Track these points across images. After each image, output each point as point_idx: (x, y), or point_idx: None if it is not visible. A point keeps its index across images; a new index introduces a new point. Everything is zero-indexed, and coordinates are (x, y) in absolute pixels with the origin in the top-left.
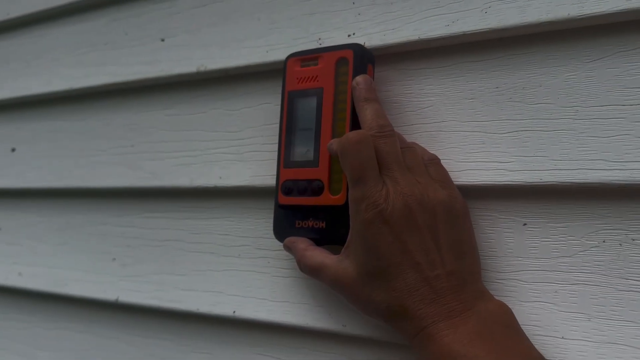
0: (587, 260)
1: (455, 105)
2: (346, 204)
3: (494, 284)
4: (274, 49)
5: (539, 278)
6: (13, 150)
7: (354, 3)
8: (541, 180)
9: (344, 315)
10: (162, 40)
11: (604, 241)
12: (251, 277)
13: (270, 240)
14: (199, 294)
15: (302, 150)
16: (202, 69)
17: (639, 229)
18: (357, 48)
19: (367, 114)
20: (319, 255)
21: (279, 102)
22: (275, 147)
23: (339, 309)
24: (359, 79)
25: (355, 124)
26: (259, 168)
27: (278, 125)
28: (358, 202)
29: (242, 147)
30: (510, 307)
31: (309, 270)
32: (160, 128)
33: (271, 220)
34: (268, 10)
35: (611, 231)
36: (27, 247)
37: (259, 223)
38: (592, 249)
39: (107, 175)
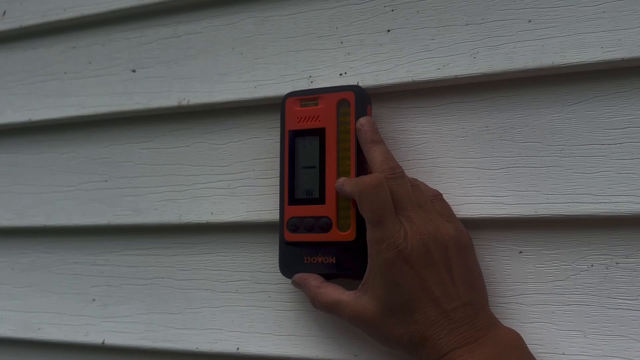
0: (578, 283)
1: (449, 143)
2: (356, 240)
3: (497, 307)
4: (262, 85)
5: (537, 301)
6: None
7: (341, 42)
8: (536, 213)
9: (354, 345)
10: (133, 71)
11: (592, 265)
12: (252, 313)
13: (269, 274)
14: (197, 332)
15: (307, 188)
16: (184, 103)
17: (622, 254)
18: (357, 90)
19: (376, 155)
20: (334, 292)
21: (268, 137)
22: (270, 181)
23: (349, 338)
24: (363, 121)
25: (361, 164)
26: (253, 203)
27: (269, 160)
28: (378, 242)
29: (233, 181)
30: (513, 328)
31: (325, 307)
32: (137, 162)
33: (269, 255)
34: (250, 45)
35: (598, 256)
36: None
37: (256, 257)
38: (582, 272)
39: (80, 213)
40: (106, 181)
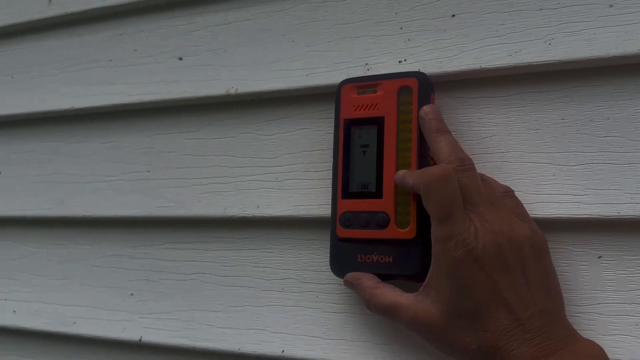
0: None
1: (520, 136)
2: (416, 238)
3: (572, 317)
4: (314, 73)
5: (617, 311)
6: None
7: (401, 28)
8: (619, 214)
9: (411, 353)
10: (180, 59)
11: None
12: (299, 313)
13: (317, 273)
14: (239, 331)
15: (362, 181)
16: (232, 91)
17: None
18: (421, 76)
19: (442, 146)
20: (392, 294)
21: (319, 128)
22: (320, 175)
23: (405, 346)
24: (427, 109)
25: (422, 156)
26: (302, 197)
27: (320, 152)
28: (446, 240)
29: (281, 174)
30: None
31: (382, 310)
32: (181, 153)
33: (318, 253)
34: (302, 32)
35: None
36: (19, 281)
37: (304, 255)
38: None
39: (121, 204)
40: (149, 172)
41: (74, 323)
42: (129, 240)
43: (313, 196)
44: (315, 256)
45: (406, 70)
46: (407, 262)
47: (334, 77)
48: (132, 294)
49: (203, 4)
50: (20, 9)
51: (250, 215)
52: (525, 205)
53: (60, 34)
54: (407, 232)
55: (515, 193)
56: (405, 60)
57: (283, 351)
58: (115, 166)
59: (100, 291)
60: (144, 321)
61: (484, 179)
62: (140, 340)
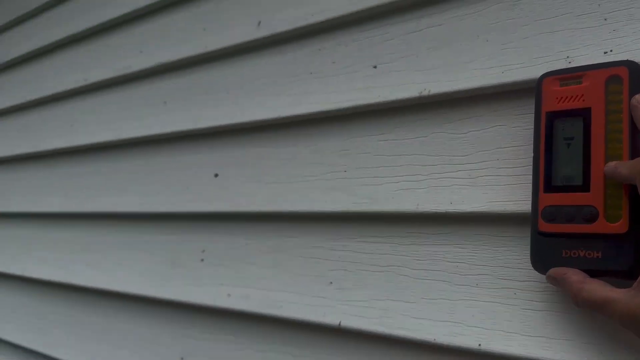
0: None
1: None
2: (629, 232)
3: None
4: (510, 70)
5: None
6: (216, 175)
7: (605, 19)
8: None
9: (621, 352)
10: (375, 67)
11: None
12: (495, 309)
13: (514, 270)
14: (434, 323)
15: (566, 174)
16: (424, 93)
17: None
18: (631, 65)
19: None
20: (602, 289)
21: (515, 124)
22: (516, 171)
23: (613, 345)
24: None
25: (635, 147)
26: (496, 194)
27: (515, 148)
28: None
29: (474, 171)
30: None
31: (591, 305)
32: (374, 153)
33: (514, 249)
34: (496, 31)
35: None
36: (234, 268)
37: (499, 252)
38: None
39: (321, 200)
40: (345, 171)
41: (280, 307)
42: (329, 233)
43: (508, 192)
44: (511, 253)
45: (613, 60)
46: (618, 257)
47: (532, 72)
48: (331, 282)
49: (397, 13)
50: (233, 33)
51: (443, 211)
52: None
53: (267, 52)
54: (619, 226)
55: None
56: (611, 50)
57: (480, 345)
58: (316, 167)
59: (303, 279)
60: (342, 308)
61: None
62: (339, 325)
